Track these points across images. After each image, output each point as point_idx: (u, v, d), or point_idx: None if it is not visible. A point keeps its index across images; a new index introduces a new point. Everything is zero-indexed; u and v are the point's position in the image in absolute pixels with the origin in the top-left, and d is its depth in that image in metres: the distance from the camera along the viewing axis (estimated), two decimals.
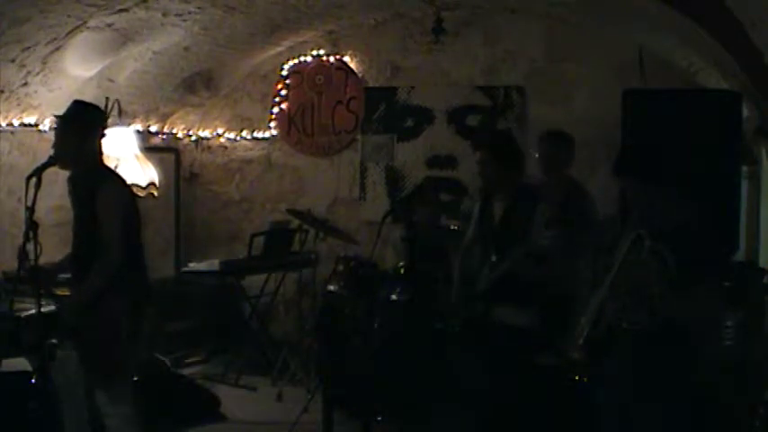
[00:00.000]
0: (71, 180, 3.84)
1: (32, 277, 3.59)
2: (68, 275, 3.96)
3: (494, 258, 4.23)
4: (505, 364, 4.09)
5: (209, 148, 7.35)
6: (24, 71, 4.82)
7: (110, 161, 4.39)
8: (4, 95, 4.89)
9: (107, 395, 3.71)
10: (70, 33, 4.73)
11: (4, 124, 5.07)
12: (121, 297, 3.67)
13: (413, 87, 6.77)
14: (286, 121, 7.11)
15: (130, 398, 3.79)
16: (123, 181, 3.98)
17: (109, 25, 4.87)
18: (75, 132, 3.72)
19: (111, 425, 3.75)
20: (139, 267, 3.87)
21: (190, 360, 6.36)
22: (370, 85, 6.90)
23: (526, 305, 4.19)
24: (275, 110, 7.10)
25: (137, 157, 5.70)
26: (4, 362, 3.80)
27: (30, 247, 3.47)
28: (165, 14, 5.03)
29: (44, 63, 4.86)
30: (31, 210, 3.47)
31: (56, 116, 3.92)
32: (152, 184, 5.69)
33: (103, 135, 3.86)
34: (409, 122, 6.79)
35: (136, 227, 3.84)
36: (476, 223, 4.53)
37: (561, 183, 5.07)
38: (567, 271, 4.15)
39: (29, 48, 4.63)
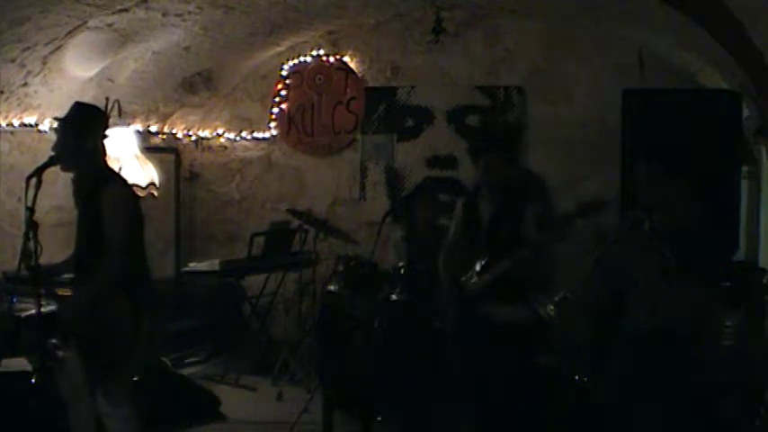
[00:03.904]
0: (75, 181, 3.84)
1: (33, 277, 3.58)
2: (71, 276, 3.95)
3: (484, 260, 4.07)
4: (505, 363, 4.06)
5: (209, 148, 7.35)
6: (24, 71, 4.82)
7: (111, 162, 4.37)
8: (4, 95, 4.89)
9: (105, 396, 3.70)
10: (70, 33, 4.72)
11: (4, 124, 5.07)
12: (124, 298, 3.66)
13: (413, 87, 6.77)
14: (286, 121, 7.11)
15: (130, 399, 3.78)
16: (126, 182, 3.97)
17: (109, 25, 4.86)
18: (76, 134, 3.70)
19: (111, 426, 3.74)
20: (142, 268, 3.86)
21: (190, 360, 6.35)
22: (370, 85, 6.90)
23: (522, 302, 4.04)
24: (275, 110, 7.10)
25: (137, 157, 5.70)
26: (4, 362, 3.79)
27: (30, 246, 3.46)
28: (164, 14, 5.03)
29: (44, 63, 4.86)
30: (31, 210, 3.46)
31: (56, 118, 3.90)
32: (152, 184, 5.69)
33: (105, 136, 3.85)
34: (409, 122, 6.80)
35: (139, 228, 3.83)
36: (461, 222, 4.30)
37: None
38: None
39: (29, 48, 4.63)
